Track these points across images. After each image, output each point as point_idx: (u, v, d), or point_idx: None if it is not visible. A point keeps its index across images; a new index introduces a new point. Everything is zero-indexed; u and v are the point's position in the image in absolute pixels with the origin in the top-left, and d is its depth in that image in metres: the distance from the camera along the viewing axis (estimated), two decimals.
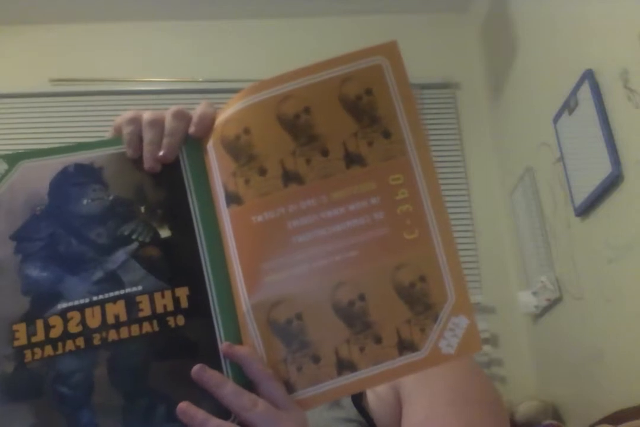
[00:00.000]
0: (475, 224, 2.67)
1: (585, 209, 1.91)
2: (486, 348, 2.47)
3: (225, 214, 0.54)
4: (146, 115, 0.57)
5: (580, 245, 2.00)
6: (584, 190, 1.89)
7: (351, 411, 0.72)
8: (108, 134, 0.59)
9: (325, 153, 0.53)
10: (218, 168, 0.55)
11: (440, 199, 0.54)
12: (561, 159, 2.06)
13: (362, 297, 0.52)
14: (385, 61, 0.55)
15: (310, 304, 0.52)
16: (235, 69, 2.85)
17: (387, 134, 0.54)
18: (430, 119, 2.81)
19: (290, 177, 0.53)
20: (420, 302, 0.52)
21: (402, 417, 0.70)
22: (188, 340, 0.52)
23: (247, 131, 0.54)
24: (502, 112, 2.68)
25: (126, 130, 0.57)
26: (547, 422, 2.12)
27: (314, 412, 0.54)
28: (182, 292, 0.53)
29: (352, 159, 0.53)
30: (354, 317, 0.52)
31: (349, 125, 0.54)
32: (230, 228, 0.53)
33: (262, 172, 0.53)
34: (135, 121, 0.57)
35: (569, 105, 1.97)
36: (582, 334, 2.02)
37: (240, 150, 0.54)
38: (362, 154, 0.53)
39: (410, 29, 2.94)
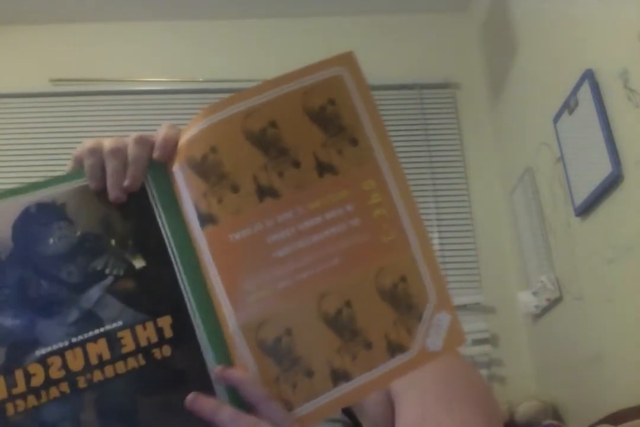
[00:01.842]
0: (475, 224, 2.67)
1: (585, 209, 1.91)
2: (486, 348, 2.47)
3: (200, 235, 0.53)
4: (107, 144, 0.56)
5: (580, 245, 2.00)
6: (584, 190, 1.89)
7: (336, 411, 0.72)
8: (68, 164, 0.58)
9: (297, 165, 0.53)
10: (187, 190, 0.54)
11: (412, 200, 0.55)
12: (561, 159, 2.06)
13: (348, 305, 0.52)
14: (345, 71, 0.55)
15: (298, 318, 0.51)
16: (235, 69, 2.85)
17: (354, 142, 0.54)
18: (430, 119, 2.81)
19: (264, 192, 0.53)
20: (403, 303, 0.53)
21: (396, 417, 0.70)
22: (177, 370, 0.50)
23: (214, 150, 0.53)
24: (502, 112, 2.68)
25: (88, 162, 0.55)
26: (547, 422, 2.12)
27: None
28: (165, 322, 0.51)
29: (324, 168, 0.53)
30: (343, 326, 0.52)
31: (316, 136, 0.54)
32: (208, 249, 0.52)
33: (235, 189, 0.53)
34: (96, 152, 0.55)
35: (569, 105, 1.97)
36: (582, 334, 2.02)
37: (209, 170, 0.53)
38: (333, 162, 0.54)
39: (410, 29, 2.94)
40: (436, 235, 2.62)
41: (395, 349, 0.52)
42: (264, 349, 0.51)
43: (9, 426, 0.48)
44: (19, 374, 0.49)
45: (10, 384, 0.49)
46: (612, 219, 1.79)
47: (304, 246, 0.52)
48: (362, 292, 0.53)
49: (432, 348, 0.53)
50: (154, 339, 0.51)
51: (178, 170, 0.54)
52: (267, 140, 0.53)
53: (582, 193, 1.90)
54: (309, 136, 0.54)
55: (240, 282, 0.51)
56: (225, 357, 0.51)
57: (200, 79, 2.86)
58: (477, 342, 2.46)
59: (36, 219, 0.54)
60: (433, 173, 2.72)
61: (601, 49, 1.80)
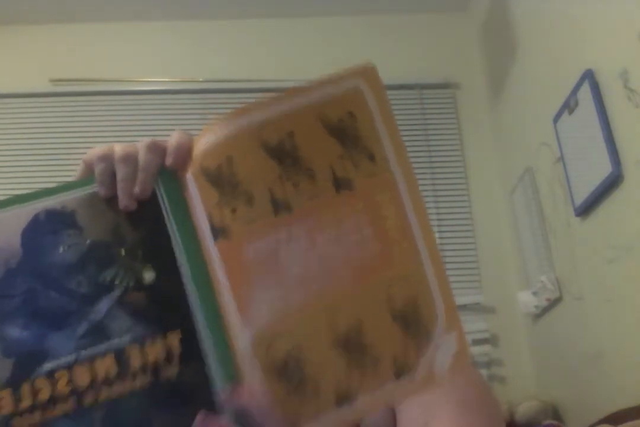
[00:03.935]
0: (475, 224, 2.67)
1: (585, 209, 1.91)
2: (486, 348, 2.47)
3: (212, 247, 0.51)
4: (118, 150, 0.54)
5: (580, 245, 2.00)
6: (584, 190, 1.89)
7: None
8: (78, 168, 0.56)
9: (313, 178, 0.52)
10: (200, 199, 0.52)
11: (425, 215, 0.54)
12: (561, 159, 2.06)
13: (359, 323, 0.51)
14: (364, 84, 0.54)
15: (308, 336, 0.50)
16: (235, 69, 2.85)
17: (371, 156, 0.53)
18: (430, 119, 2.81)
19: (279, 205, 0.51)
20: (413, 324, 0.52)
21: (397, 422, 0.70)
22: (185, 388, 0.49)
23: (229, 160, 0.52)
24: (502, 112, 2.68)
25: (98, 169, 0.54)
26: (547, 422, 2.12)
27: None
28: (174, 338, 0.50)
29: (340, 183, 0.53)
30: (352, 345, 0.51)
31: (334, 149, 0.53)
32: (220, 262, 0.51)
33: (250, 201, 0.51)
34: (107, 158, 0.54)
35: (569, 105, 1.97)
36: (581, 334, 2.02)
37: (224, 180, 0.52)
38: (349, 177, 0.53)
39: (410, 29, 2.95)
40: (436, 235, 2.62)
41: (401, 370, 0.51)
42: (274, 367, 0.50)
43: None
44: (26, 388, 0.48)
45: (17, 397, 0.48)
46: (612, 219, 1.79)
47: (317, 260, 0.51)
48: (373, 312, 0.51)
49: (438, 370, 0.52)
50: (162, 355, 0.50)
51: (191, 179, 0.53)
52: (284, 152, 0.52)
53: (582, 193, 1.90)
54: (327, 149, 0.53)
55: (252, 297, 0.50)
56: (234, 374, 0.50)
57: (200, 79, 2.87)
58: (477, 342, 2.46)
59: (46, 227, 0.52)
60: (433, 173, 2.72)
61: (601, 49, 1.80)
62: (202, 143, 0.53)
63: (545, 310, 2.27)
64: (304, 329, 0.50)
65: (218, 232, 0.51)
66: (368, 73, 0.54)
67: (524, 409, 2.18)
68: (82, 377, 0.49)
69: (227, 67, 2.87)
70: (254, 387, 0.50)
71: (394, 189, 0.53)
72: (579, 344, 2.04)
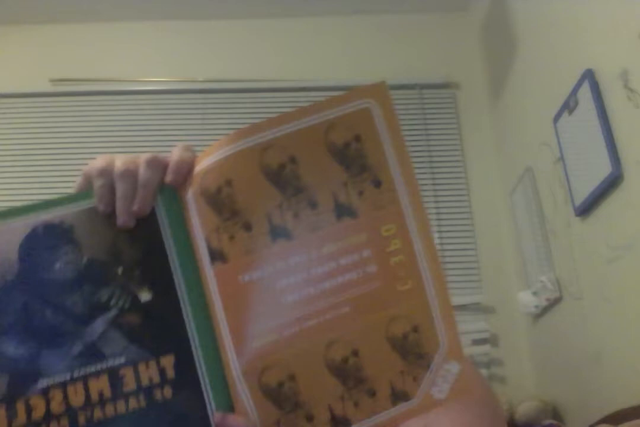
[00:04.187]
0: (475, 224, 2.67)
1: (585, 209, 1.91)
2: (486, 348, 2.47)
3: (209, 272, 0.51)
4: (118, 165, 0.53)
5: (580, 245, 2.00)
6: (584, 190, 1.89)
7: None
8: (78, 180, 0.56)
9: (314, 205, 0.51)
10: (199, 222, 0.51)
11: (432, 246, 0.52)
12: (561, 159, 2.06)
13: (355, 353, 0.51)
14: (374, 104, 0.52)
15: (303, 365, 0.50)
16: (235, 69, 2.85)
17: (377, 183, 0.51)
18: (430, 119, 2.81)
19: (277, 233, 0.50)
20: (413, 352, 0.51)
21: None
22: (177, 413, 0.49)
23: (228, 183, 0.50)
24: (502, 112, 2.68)
25: (97, 184, 0.53)
26: (547, 422, 2.12)
27: None
28: (168, 361, 0.50)
29: (342, 211, 0.51)
30: (348, 374, 0.50)
31: (337, 175, 0.51)
32: (216, 288, 0.50)
33: (247, 227, 0.50)
34: (106, 173, 0.53)
35: (569, 105, 1.97)
36: (581, 334, 2.02)
37: (222, 204, 0.51)
38: (352, 204, 0.51)
39: (410, 29, 2.95)
40: (436, 235, 2.62)
41: (399, 397, 0.51)
42: (266, 394, 0.49)
43: None
44: (20, 406, 0.48)
45: (12, 415, 0.48)
46: (612, 219, 1.79)
47: (315, 292, 0.50)
48: (370, 341, 0.51)
49: (437, 396, 0.51)
50: (156, 379, 0.49)
51: (191, 200, 0.52)
52: (284, 177, 0.50)
53: (582, 193, 1.90)
54: (330, 175, 0.51)
55: (246, 326, 0.50)
56: (226, 401, 0.50)
57: (200, 79, 2.87)
58: (477, 342, 2.46)
59: (43, 241, 0.52)
60: (433, 173, 2.72)
61: (601, 49, 1.80)
62: (205, 161, 0.52)
63: (545, 310, 2.27)
64: (298, 359, 0.50)
65: (215, 255, 0.51)
66: (378, 92, 0.52)
67: (524, 409, 2.18)
68: (76, 397, 0.49)
69: (227, 67, 2.87)
70: (247, 413, 0.49)
71: (400, 221, 0.52)
72: (579, 344, 2.04)
